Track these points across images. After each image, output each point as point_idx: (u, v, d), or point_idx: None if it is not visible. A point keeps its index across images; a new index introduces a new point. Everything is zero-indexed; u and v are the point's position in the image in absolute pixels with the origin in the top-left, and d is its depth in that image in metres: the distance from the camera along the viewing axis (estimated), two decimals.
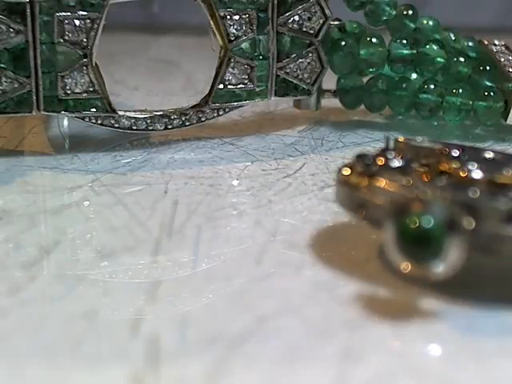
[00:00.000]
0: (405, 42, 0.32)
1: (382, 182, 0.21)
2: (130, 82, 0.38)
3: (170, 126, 0.30)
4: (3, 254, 0.23)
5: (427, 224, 0.19)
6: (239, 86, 0.30)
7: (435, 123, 0.33)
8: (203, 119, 0.31)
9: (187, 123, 0.31)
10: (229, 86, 0.30)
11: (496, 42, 0.33)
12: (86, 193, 0.27)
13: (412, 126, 0.33)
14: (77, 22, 0.28)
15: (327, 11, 0.31)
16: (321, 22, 0.31)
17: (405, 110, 0.32)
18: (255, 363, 0.19)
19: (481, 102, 0.31)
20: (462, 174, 0.21)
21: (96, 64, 0.29)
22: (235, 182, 0.28)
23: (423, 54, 0.32)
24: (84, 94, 0.29)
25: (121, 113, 0.30)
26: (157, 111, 0.30)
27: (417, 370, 0.19)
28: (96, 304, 0.21)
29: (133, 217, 0.25)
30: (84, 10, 0.28)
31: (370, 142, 0.31)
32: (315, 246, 0.24)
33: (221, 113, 0.31)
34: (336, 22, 0.32)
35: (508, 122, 0.31)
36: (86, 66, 0.28)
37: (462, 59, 0.32)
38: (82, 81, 0.29)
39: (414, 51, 0.32)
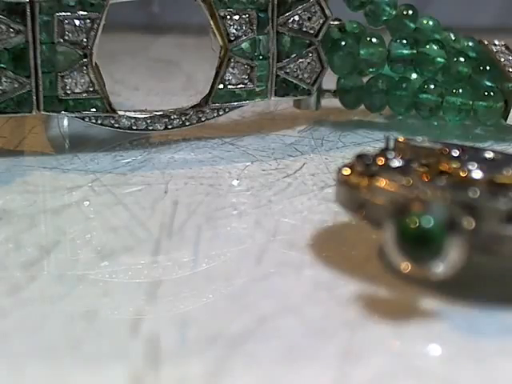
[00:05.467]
0: (405, 42, 0.32)
1: (382, 182, 0.21)
2: (129, 81, 0.38)
3: (170, 126, 0.30)
4: (3, 254, 0.23)
5: (427, 224, 0.19)
6: (239, 86, 0.30)
7: (435, 123, 0.33)
8: (203, 119, 0.31)
9: (187, 123, 0.31)
10: (229, 86, 0.30)
11: (496, 42, 0.33)
12: (86, 193, 0.27)
13: (412, 126, 0.33)
14: (77, 22, 0.28)
15: (327, 11, 0.31)
16: (321, 21, 0.31)
17: (405, 110, 0.32)
18: (255, 363, 0.19)
19: (481, 102, 0.31)
20: (462, 173, 0.21)
21: (96, 64, 0.29)
22: (235, 182, 0.28)
23: (423, 53, 0.32)
24: (84, 94, 0.29)
25: (121, 113, 0.30)
26: (157, 111, 0.30)
27: (417, 370, 0.19)
28: (96, 304, 0.21)
29: (133, 217, 0.25)
30: (84, 10, 0.28)
31: (370, 142, 0.31)
32: (315, 246, 0.24)
33: (221, 113, 0.31)
34: (336, 22, 0.32)
35: (508, 122, 0.31)
36: (86, 66, 0.28)
37: (462, 59, 0.32)
38: (82, 81, 0.29)
39: (414, 51, 0.32)
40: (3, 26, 0.27)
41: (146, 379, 0.18)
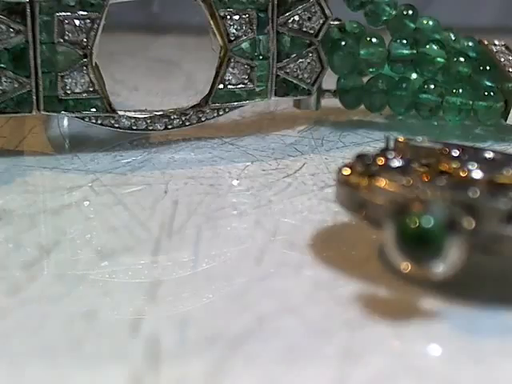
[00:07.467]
0: (405, 41, 0.32)
1: (382, 182, 0.21)
2: (129, 81, 0.38)
3: (170, 126, 0.30)
4: (3, 254, 0.23)
5: (427, 224, 0.19)
6: (239, 86, 0.30)
7: (435, 123, 0.33)
8: (203, 119, 0.31)
9: (187, 123, 0.31)
10: (229, 86, 0.30)
11: (496, 42, 0.33)
12: (86, 193, 0.27)
13: (412, 126, 0.33)
14: (77, 22, 0.28)
15: (327, 11, 0.31)
16: (321, 21, 0.31)
17: (405, 110, 0.32)
18: (255, 363, 0.19)
19: (481, 102, 0.31)
20: (462, 173, 0.21)
21: (96, 64, 0.29)
22: (235, 182, 0.28)
23: (423, 53, 0.32)
24: (84, 94, 0.29)
25: (121, 113, 0.30)
26: (157, 111, 0.30)
27: (417, 370, 0.19)
28: (96, 304, 0.21)
29: (133, 217, 0.25)
30: (84, 10, 0.28)
31: (370, 142, 0.31)
32: (315, 246, 0.24)
33: (221, 113, 0.31)
34: (336, 22, 0.32)
35: (508, 122, 0.31)
36: (86, 66, 0.28)
37: (462, 59, 0.32)
38: (82, 81, 0.29)
39: (414, 51, 0.32)
40: (3, 26, 0.27)
41: (146, 379, 0.18)
